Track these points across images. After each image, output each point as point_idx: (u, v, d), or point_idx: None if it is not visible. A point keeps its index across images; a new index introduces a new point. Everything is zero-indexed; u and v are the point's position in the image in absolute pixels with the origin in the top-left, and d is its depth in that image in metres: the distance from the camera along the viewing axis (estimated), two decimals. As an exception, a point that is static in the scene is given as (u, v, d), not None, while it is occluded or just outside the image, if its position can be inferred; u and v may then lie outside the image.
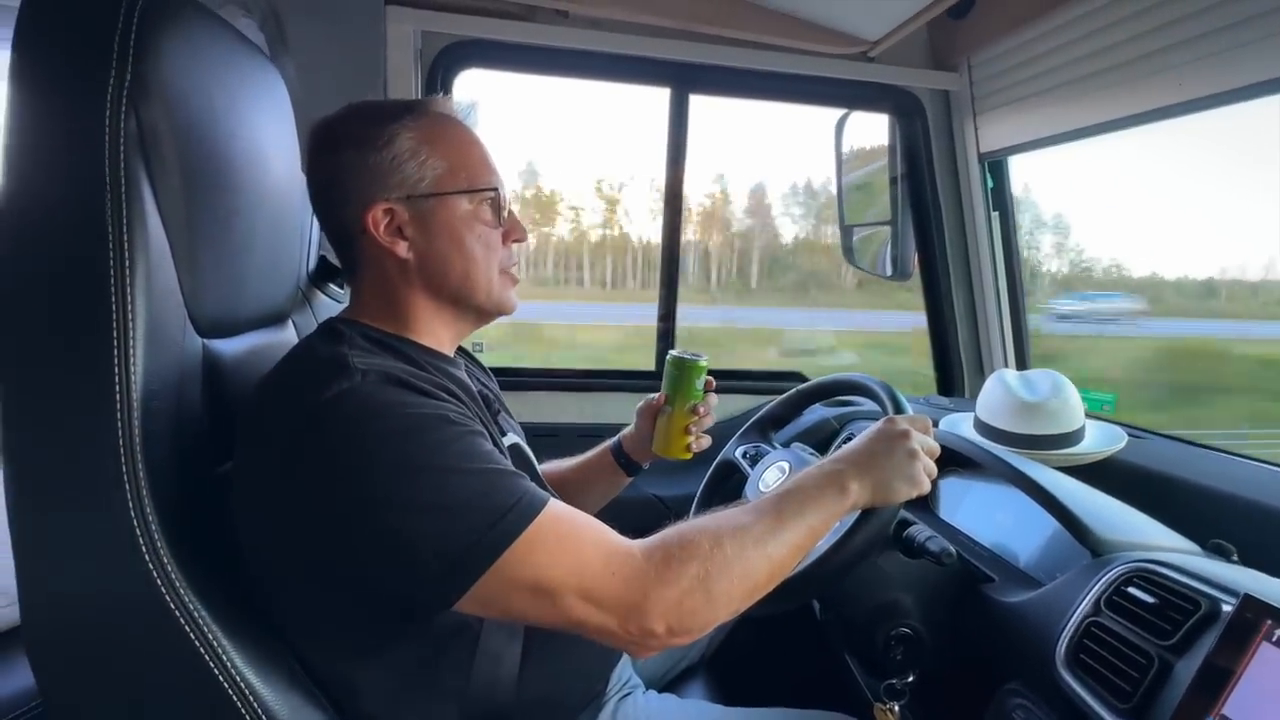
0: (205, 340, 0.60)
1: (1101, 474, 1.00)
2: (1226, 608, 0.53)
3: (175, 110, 0.52)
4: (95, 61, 0.48)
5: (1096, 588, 0.64)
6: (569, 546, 0.52)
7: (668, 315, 1.55)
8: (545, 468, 0.91)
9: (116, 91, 0.48)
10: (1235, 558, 0.68)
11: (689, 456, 0.86)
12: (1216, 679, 0.49)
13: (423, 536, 0.50)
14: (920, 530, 0.74)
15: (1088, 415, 1.13)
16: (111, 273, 0.48)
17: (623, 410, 0.94)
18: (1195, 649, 0.53)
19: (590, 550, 0.53)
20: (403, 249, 0.63)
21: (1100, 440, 1.05)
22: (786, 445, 0.99)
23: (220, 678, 0.50)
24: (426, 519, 0.50)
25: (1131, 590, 0.61)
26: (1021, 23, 1.24)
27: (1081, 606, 0.64)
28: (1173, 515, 0.78)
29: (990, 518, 0.92)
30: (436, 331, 0.67)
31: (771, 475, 0.90)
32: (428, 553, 0.50)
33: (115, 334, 0.48)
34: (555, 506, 0.54)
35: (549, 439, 1.01)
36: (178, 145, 0.52)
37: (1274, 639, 0.47)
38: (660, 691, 0.85)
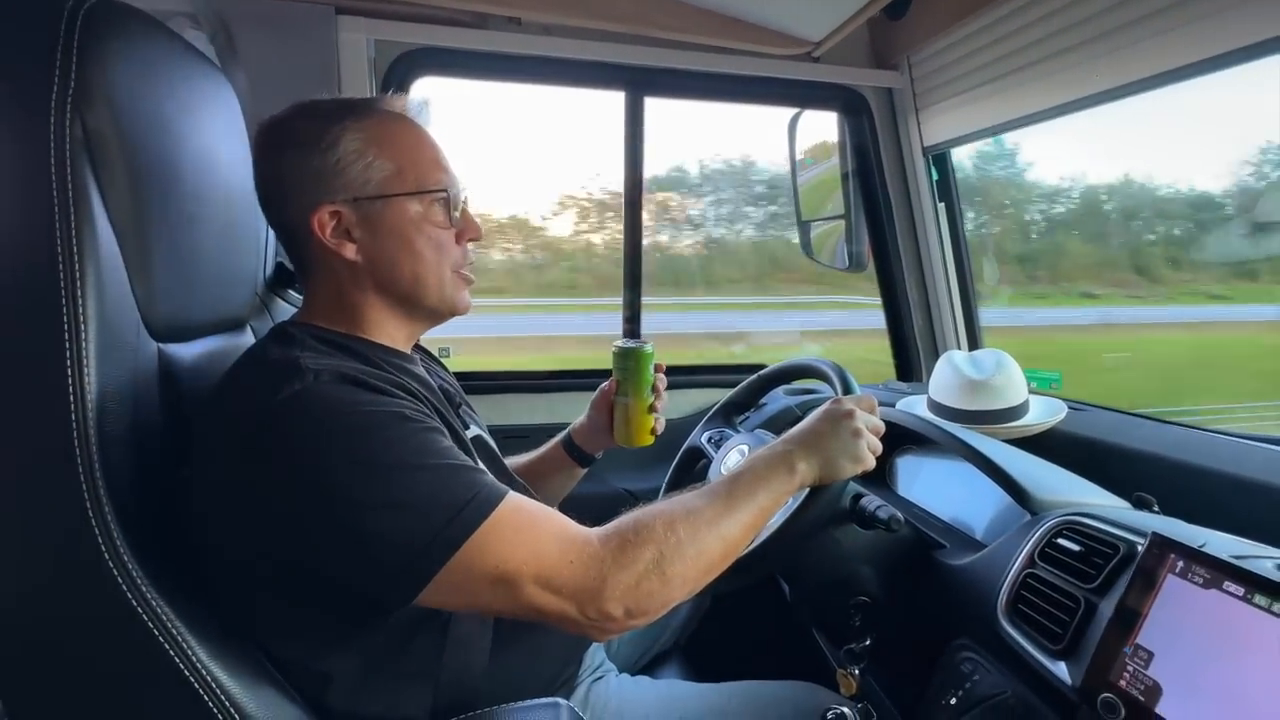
0: (160, 345, 0.61)
1: (1045, 444, 1.06)
2: (1140, 548, 0.58)
3: (121, 116, 0.53)
4: (37, 69, 0.49)
5: (1031, 542, 0.68)
6: (526, 537, 0.54)
7: (633, 317, 1.57)
8: None
9: (60, 98, 0.49)
10: (1156, 508, 0.73)
11: (653, 440, 0.88)
12: (1131, 612, 0.53)
13: (380, 534, 0.50)
14: (870, 500, 0.78)
15: (1035, 392, 1.19)
16: (61, 277, 0.48)
17: (593, 408, 0.96)
18: (1115, 588, 0.57)
19: (547, 539, 0.54)
20: (350, 251, 0.63)
21: (1042, 413, 1.11)
22: (750, 431, 1.02)
23: (189, 675, 0.51)
24: (384, 516, 0.50)
25: (1061, 541, 0.66)
26: (955, 21, 1.30)
27: (1018, 560, 0.68)
28: (1107, 477, 0.83)
29: (944, 491, 0.96)
30: (390, 331, 0.68)
31: (733, 458, 0.93)
32: (386, 550, 0.50)
33: (67, 338, 0.48)
34: (512, 499, 0.55)
35: (520, 440, 1.02)
36: (125, 150, 0.53)
37: (1178, 571, 0.52)
38: (634, 675, 0.87)
